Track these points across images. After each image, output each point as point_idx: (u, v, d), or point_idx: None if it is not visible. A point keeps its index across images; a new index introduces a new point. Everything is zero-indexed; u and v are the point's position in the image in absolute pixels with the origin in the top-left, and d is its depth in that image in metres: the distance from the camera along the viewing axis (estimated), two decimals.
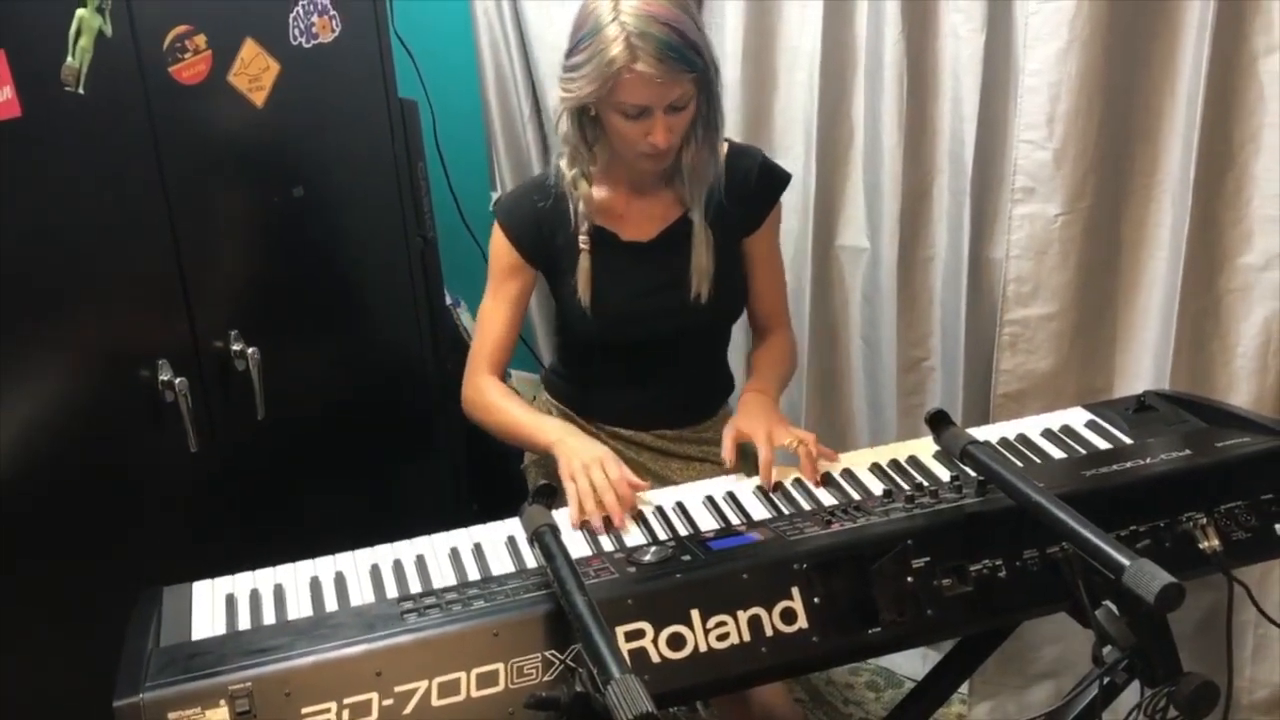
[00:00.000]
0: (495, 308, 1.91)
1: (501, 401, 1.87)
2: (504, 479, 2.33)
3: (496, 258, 1.90)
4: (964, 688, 2.30)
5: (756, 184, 1.90)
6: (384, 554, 1.55)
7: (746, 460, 1.74)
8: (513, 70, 2.75)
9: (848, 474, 1.68)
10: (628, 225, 1.88)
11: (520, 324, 1.94)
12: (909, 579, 1.41)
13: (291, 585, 1.49)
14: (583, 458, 1.68)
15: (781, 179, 1.94)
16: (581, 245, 1.84)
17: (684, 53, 1.66)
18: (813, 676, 2.54)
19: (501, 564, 1.51)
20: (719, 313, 1.93)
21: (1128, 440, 1.69)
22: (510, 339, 1.92)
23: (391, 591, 1.46)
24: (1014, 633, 1.70)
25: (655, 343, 1.91)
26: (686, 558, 1.42)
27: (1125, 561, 1.21)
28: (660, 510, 1.62)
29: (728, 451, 1.75)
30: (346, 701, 1.24)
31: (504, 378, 1.93)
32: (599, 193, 1.86)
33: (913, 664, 2.54)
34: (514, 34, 2.69)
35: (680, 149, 1.79)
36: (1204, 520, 1.51)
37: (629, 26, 1.64)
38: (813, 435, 1.72)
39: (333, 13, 2.01)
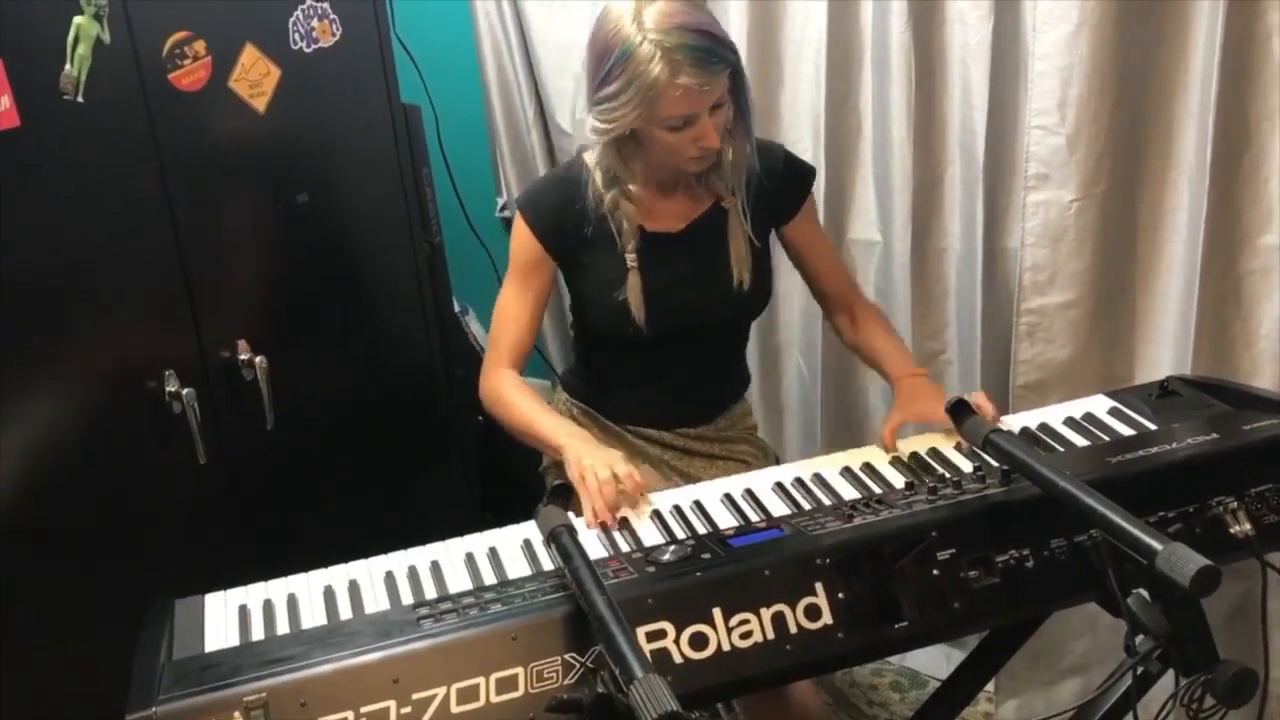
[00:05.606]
0: (516, 301, 1.88)
1: (516, 395, 1.83)
2: (519, 489, 2.31)
3: (518, 250, 1.87)
4: (990, 685, 2.26)
5: (784, 176, 1.89)
6: (398, 560, 1.53)
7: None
8: (515, 73, 2.73)
9: (868, 467, 1.65)
10: (653, 218, 1.86)
11: (540, 319, 1.90)
12: (935, 572, 1.38)
13: (305, 594, 1.47)
14: (589, 459, 1.63)
15: (808, 170, 1.96)
16: (629, 264, 1.82)
17: (718, 51, 1.65)
18: (836, 678, 2.51)
19: (517, 567, 1.49)
20: (753, 301, 1.92)
21: (1152, 426, 1.67)
22: (531, 333, 1.89)
23: (407, 598, 1.44)
24: (1040, 627, 1.67)
25: (687, 336, 1.88)
26: (706, 556, 1.40)
27: (1158, 546, 1.19)
28: (678, 509, 1.60)
29: (888, 437, 1.71)
30: (364, 710, 1.22)
31: (522, 374, 1.89)
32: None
33: (937, 664, 2.51)
34: (515, 35, 2.68)
35: None
36: (1234, 504, 1.47)
37: (661, 42, 1.62)
38: (984, 394, 1.69)
39: (333, 16, 1.99)
